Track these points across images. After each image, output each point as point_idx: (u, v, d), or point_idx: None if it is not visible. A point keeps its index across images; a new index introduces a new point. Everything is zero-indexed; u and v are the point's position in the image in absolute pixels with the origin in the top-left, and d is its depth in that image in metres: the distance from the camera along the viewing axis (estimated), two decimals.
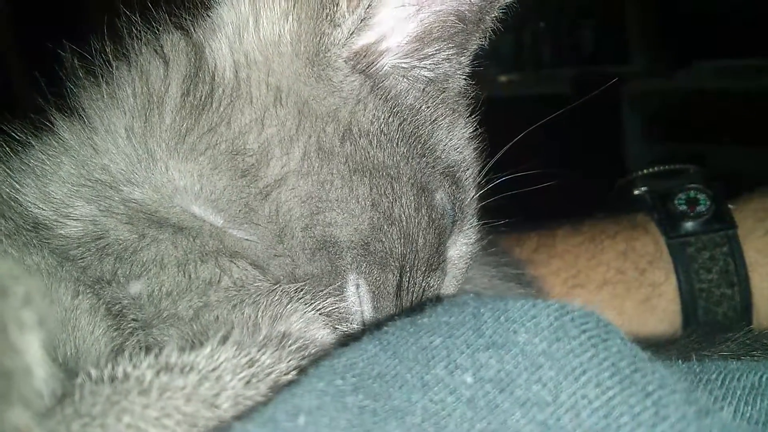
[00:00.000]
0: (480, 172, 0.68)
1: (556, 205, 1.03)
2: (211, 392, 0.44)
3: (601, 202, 1.06)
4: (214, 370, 0.45)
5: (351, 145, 0.58)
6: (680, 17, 2.72)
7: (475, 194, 0.68)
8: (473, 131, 0.68)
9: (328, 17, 0.58)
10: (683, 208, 0.93)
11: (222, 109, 0.57)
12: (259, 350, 0.47)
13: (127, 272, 0.55)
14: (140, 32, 0.61)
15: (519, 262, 0.90)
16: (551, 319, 0.41)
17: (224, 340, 0.47)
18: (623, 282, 0.92)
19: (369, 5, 0.58)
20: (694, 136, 2.48)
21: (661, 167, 1.00)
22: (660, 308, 0.92)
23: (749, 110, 2.35)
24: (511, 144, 0.69)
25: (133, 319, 0.54)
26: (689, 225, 0.92)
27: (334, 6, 0.58)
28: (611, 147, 2.78)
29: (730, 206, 0.92)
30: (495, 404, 0.40)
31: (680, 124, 2.54)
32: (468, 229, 0.68)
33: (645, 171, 1.00)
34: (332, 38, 0.59)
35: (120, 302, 0.54)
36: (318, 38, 0.59)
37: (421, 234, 0.60)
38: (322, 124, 0.58)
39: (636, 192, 0.98)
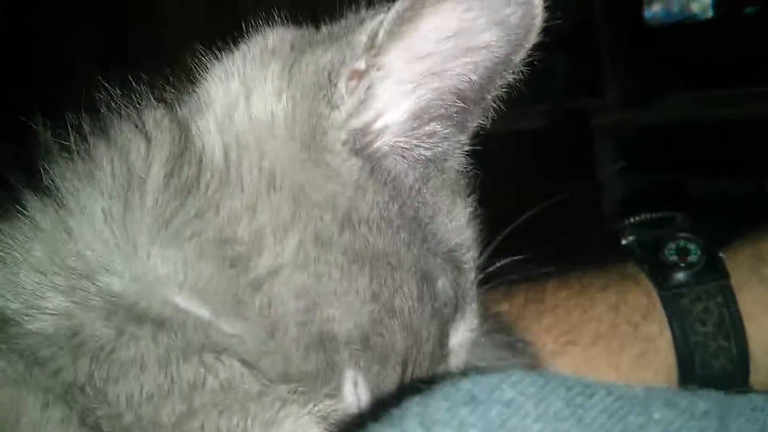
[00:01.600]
0: (479, 254, 0.67)
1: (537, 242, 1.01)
2: None
3: (583, 244, 1.05)
4: None
5: (350, 233, 0.55)
6: (652, 49, 2.76)
7: (476, 277, 0.66)
8: (472, 211, 0.66)
9: (325, 98, 0.56)
10: (674, 258, 0.92)
11: (210, 193, 0.54)
12: None
13: (105, 375, 0.51)
14: (120, 106, 0.58)
15: (510, 326, 0.88)
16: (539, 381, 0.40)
17: None
18: (617, 337, 0.91)
19: (369, 86, 0.57)
20: (671, 167, 2.51)
21: (648, 216, 0.99)
22: (656, 363, 0.90)
23: (725, 140, 2.38)
24: (509, 230, 0.68)
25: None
26: (681, 276, 0.91)
27: (331, 87, 0.56)
28: (587, 178, 2.80)
29: (721, 255, 0.91)
30: None
31: (656, 154, 2.56)
32: (469, 314, 0.65)
33: (632, 219, 0.99)
34: (330, 120, 0.56)
35: (94, 412, 0.50)
36: (314, 120, 0.56)
37: (424, 326, 0.57)
38: (319, 212, 0.55)
39: (624, 242, 0.97)
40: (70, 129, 0.57)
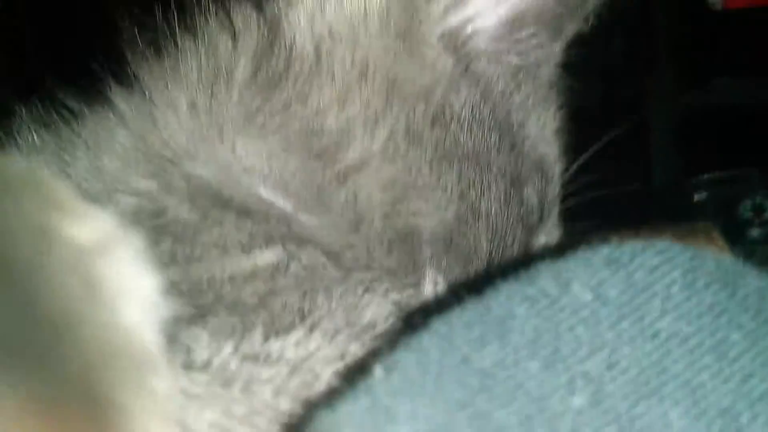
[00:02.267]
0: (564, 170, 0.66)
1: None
2: (303, 386, 0.41)
3: (643, 210, 1.03)
4: (304, 360, 0.42)
5: (441, 129, 0.55)
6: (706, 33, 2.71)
7: (560, 191, 0.65)
8: (560, 125, 0.65)
9: None
10: (749, 215, 0.90)
11: (299, 85, 0.54)
12: (348, 341, 0.44)
13: (188, 254, 0.51)
14: (207, 1, 0.58)
15: None
16: (688, 252, 0.38)
17: (311, 327, 0.44)
18: None
19: None
20: (727, 149, 2.46)
21: (723, 172, 0.97)
22: None
23: None
24: (593, 150, 0.66)
25: (192, 307, 0.50)
26: (756, 232, 0.89)
27: None
28: (639, 158, 2.76)
29: None
30: (620, 330, 0.35)
31: (712, 137, 2.52)
32: (551, 227, 0.64)
33: (706, 176, 0.98)
34: (426, 13, 0.56)
35: (178, 286, 0.50)
36: (410, 13, 0.56)
37: (509, 230, 0.56)
38: (411, 105, 0.55)
39: (696, 198, 0.96)
40: (157, 23, 0.58)
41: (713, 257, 0.39)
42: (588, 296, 0.36)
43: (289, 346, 0.43)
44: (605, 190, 0.67)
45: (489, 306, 0.37)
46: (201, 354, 0.41)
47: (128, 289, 0.31)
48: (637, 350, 0.35)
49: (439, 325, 0.36)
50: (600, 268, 0.37)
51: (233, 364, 0.41)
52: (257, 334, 0.44)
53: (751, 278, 0.38)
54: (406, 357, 0.35)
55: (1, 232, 0.29)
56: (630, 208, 1.07)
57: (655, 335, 0.35)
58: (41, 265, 0.29)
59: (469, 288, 0.38)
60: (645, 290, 0.37)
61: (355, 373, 0.37)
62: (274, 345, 0.43)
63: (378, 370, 0.34)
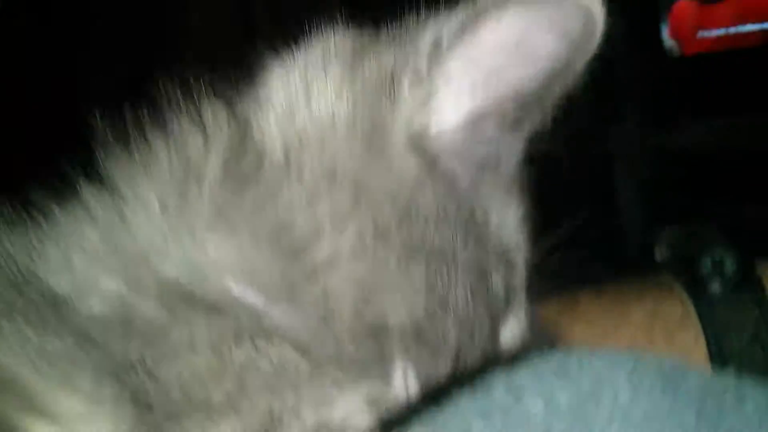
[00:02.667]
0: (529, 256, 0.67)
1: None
2: None
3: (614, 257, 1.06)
4: None
5: (408, 227, 0.56)
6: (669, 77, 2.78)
7: (526, 276, 0.66)
8: (524, 213, 0.67)
9: (388, 99, 0.58)
10: (709, 270, 0.93)
11: (269, 185, 0.56)
12: None
13: (157, 356, 0.52)
14: (179, 101, 0.59)
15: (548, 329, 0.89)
16: (632, 356, 0.40)
17: None
18: (652, 346, 0.92)
19: (430, 89, 0.58)
20: (691, 194, 2.51)
21: (683, 227, 1.00)
22: None
23: (745, 167, 2.39)
24: (559, 232, 0.68)
25: (162, 410, 0.51)
26: (716, 288, 0.92)
27: (394, 86, 0.58)
28: (605, 205, 2.80)
29: (756, 268, 0.93)
30: None
31: (676, 181, 2.57)
32: (519, 312, 0.65)
33: (666, 231, 1.01)
34: (392, 118, 0.58)
35: (146, 392, 0.51)
36: (376, 119, 0.58)
37: (476, 320, 0.58)
38: (379, 206, 0.56)
39: (658, 254, 0.99)
40: (127, 120, 0.59)
41: (656, 360, 0.40)
42: (540, 407, 0.38)
43: None
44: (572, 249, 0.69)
45: (446, 425, 0.38)
46: None
47: None
48: None
49: None
50: (550, 378, 0.39)
51: None
52: None
53: (692, 375, 0.40)
54: None
55: None
56: (598, 261, 1.11)
57: None
58: None
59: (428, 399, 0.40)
60: (592, 397, 0.38)
61: None
62: None
63: None
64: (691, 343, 0.91)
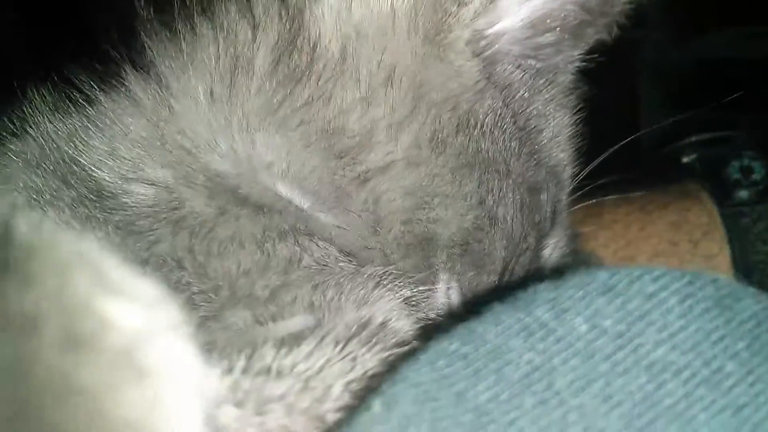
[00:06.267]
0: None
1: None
2: (315, 402, 0.42)
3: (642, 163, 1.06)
4: (316, 374, 0.43)
5: (464, 136, 0.56)
6: None
7: (569, 194, 0.67)
8: (576, 128, 0.67)
9: None
10: (737, 176, 0.94)
11: (322, 83, 0.55)
12: (359, 347, 0.45)
13: (205, 250, 0.52)
14: None
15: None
16: (685, 277, 0.39)
17: (322, 337, 0.45)
18: (676, 254, 0.94)
19: None
20: (719, 106, 2.47)
21: (711, 134, 1.00)
22: None
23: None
24: (602, 157, 0.69)
25: (205, 305, 0.51)
26: (744, 194, 0.93)
27: None
28: (628, 114, 2.77)
29: None
30: (615, 362, 0.36)
31: (703, 92, 2.53)
32: (560, 230, 0.67)
33: (694, 138, 1.00)
34: (456, 18, 0.56)
35: (189, 287, 0.51)
36: (439, 15, 0.56)
37: (523, 236, 0.59)
38: (438, 111, 0.56)
39: (685, 160, 0.99)
40: (173, 6, 0.58)
41: (711, 280, 0.39)
42: (583, 327, 0.37)
43: (301, 358, 0.44)
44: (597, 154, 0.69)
45: (485, 337, 0.38)
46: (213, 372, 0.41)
47: (175, 377, 0.32)
48: (631, 382, 0.36)
49: (436, 357, 0.37)
50: (596, 297, 0.38)
51: (245, 383, 0.41)
52: (268, 348, 0.44)
53: (748, 302, 0.38)
54: (404, 392, 0.36)
55: (57, 310, 0.30)
56: (621, 169, 1.10)
57: (650, 366, 0.36)
58: (92, 352, 0.30)
59: (469, 310, 0.39)
60: (641, 319, 0.37)
61: (356, 407, 0.39)
62: (286, 359, 0.44)
63: (377, 406, 0.36)
64: (715, 250, 0.92)
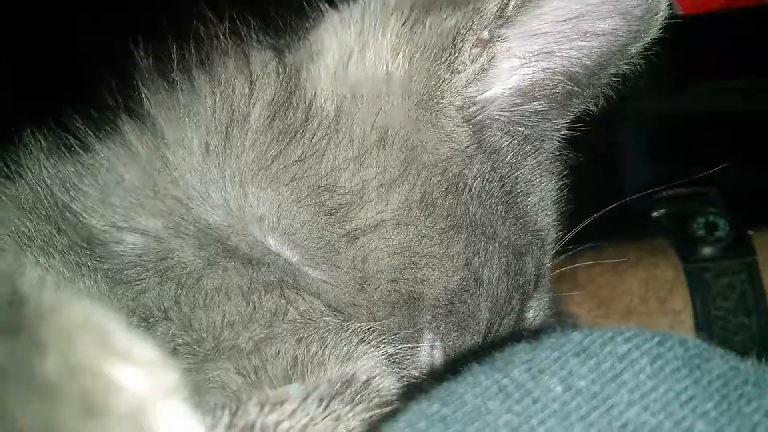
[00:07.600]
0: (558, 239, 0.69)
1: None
2: None
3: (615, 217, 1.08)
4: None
5: (454, 199, 0.58)
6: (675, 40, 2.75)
7: (552, 258, 0.68)
8: (561, 193, 0.69)
9: (447, 62, 0.58)
10: (702, 232, 0.97)
11: (315, 140, 0.57)
12: (345, 406, 0.47)
13: (191, 301, 0.53)
14: (227, 44, 0.60)
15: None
16: (655, 338, 0.40)
17: (305, 395, 0.46)
18: (646, 311, 0.97)
19: (492, 56, 0.59)
20: (696, 159, 2.52)
21: (681, 190, 1.03)
22: None
23: (750, 131, 2.39)
24: (589, 221, 0.70)
25: (189, 357, 0.52)
26: (707, 250, 0.97)
27: (455, 52, 0.58)
28: (611, 168, 2.80)
29: (749, 233, 0.97)
30: (590, 422, 0.37)
31: (682, 145, 2.58)
32: (543, 292, 0.68)
33: (664, 193, 1.04)
34: (449, 85, 0.59)
35: (173, 339, 0.52)
36: (433, 82, 0.59)
37: (507, 299, 0.60)
38: (428, 174, 0.58)
39: (654, 214, 1.02)
40: (172, 58, 0.59)
41: (680, 341, 0.40)
42: (559, 388, 0.38)
43: (285, 416, 0.44)
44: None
45: (464, 399, 0.39)
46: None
47: None
48: None
49: (416, 419, 0.38)
50: (570, 358, 0.39)
51: None
52: (252, 404, 0.45)
53: (716, 362, 0.40)
54: None
55: (70, 376, 0.32)
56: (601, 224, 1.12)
57: (623, 427, 0.37)
58: (107, 418, 0.31)
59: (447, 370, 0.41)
60: (614, 380, 0.39)
61: None
62: (270, 416, 0.44)
63: None
64: (680, 306, 0.96)
